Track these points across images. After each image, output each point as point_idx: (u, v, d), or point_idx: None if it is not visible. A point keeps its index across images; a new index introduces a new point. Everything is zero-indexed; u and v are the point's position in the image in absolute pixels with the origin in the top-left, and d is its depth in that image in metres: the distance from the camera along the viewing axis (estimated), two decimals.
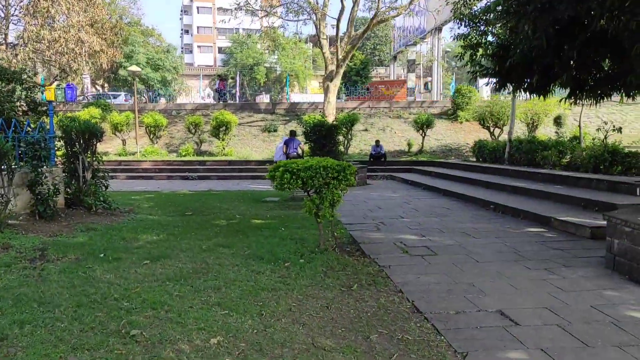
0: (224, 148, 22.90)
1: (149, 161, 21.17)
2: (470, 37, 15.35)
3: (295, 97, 48.23)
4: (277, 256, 6.32)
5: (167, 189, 15.60)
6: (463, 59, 15.76)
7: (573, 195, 9.84)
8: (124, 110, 25.00)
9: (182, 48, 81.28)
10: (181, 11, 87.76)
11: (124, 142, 23.28)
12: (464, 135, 25.32)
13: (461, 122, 26.19)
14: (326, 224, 7.12)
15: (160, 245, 7.08)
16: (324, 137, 16.60)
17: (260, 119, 27.34)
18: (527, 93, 13.07)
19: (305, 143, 16.91)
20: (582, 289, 5.00)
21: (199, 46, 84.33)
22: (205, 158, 22.16)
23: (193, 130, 23.57)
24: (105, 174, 10.84)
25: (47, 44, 23.92)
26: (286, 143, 15.26)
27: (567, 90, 12.08)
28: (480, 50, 14.99)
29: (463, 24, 16.41)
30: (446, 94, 44.65)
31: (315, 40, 75.86)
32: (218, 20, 78.11)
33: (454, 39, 15.62)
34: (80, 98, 29.37)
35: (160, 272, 5.69)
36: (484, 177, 14.61)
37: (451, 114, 26.83)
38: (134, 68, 22.66)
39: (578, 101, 12.00)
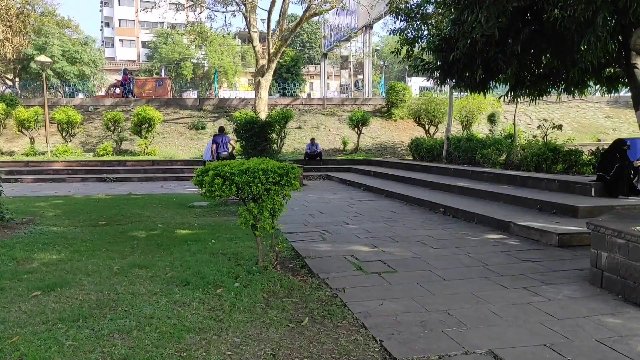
0: (146, 147, 21.14)
1: (61, 161, 19.10)
2: (406, 31, 14.88)
3: (224, 93, 46.66)
4: (206, 279, 5.17)
5: (80, 193, 13.87)
6: (399, 54, 15.18)
7: (525, 196, 9.27)
8: (32, 106, 22.58)
9: (102, 41, 77.16)
10: (101, 2, 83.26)
11: (32, 140, 20.95)
12: (398, 133, 24.88)
13: (395, 120, 25.75)
14: (265, 237, 6.03)
15: (60, 268, 5.73)
16: (257, 134, 15.44)
17: (187, 115, 25.70)
18: (468, 89, 12.64)
19: (237, 141, 15.68)
20: (576, 315, 4.20)
21: (120, 40, 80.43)
22: (126, 158, 20.35)
23: (112, 128, 21.62)
24: None
25: None
26: (215, 141, 13.96)
27: (506, 87, 11.75)
28: (417, 45, 14.48)
29: (399, 18, 15.84)
30: (375, 92, 44.52)
31: (245, 35, 74.44)
32: (141, 9, 74.72)
33: (389, 34, 15.00)
34: None
35: (53, 307, 4.40)
36: (426, 176, 13.99)
37: (385, 112, 26.34)
38: (42, 58, 20.38)
39: (516, 98, 11.66)
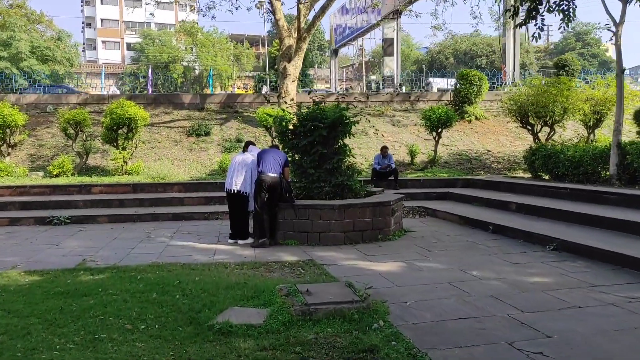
0: (125, 162, 13.97)
1: None
2: None
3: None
4: None
5: None
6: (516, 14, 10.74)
7: None
8: None
9: (84, 43, 70.14)
10: (82, 1, 76.09)
11: None
12: (479, 138, 17.94)
13: (470, 121, 18.84)
14: None
15: None
16: (324, 142, 8.53)
17: (184, 116, 18.59)
18: None
19: (287, 153, 8.74)
20: None
21: (103, 41, 73.50)
22: (93, 180, 13.15)
23: (73, 134, 14.43)
24: None
25: None
26: (260, 156, 7.19)
27: None
28: None
29: None
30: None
31: (239, 38, 67.42)
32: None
33: None
34: None
35: None
36: None
37: (454, 110, 19.36)
38: None
39: None
